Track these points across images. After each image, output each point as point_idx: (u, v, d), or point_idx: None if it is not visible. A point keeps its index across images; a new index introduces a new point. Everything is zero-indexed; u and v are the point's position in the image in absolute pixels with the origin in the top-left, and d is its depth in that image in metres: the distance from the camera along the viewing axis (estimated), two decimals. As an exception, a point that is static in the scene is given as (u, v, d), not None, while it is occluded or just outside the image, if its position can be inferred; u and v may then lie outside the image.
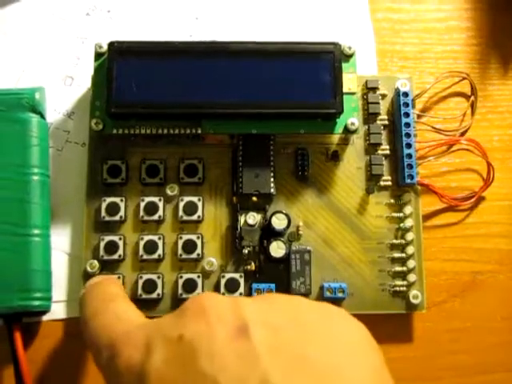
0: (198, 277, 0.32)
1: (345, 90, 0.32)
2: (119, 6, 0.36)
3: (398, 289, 0.32)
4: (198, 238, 0.32)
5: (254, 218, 0.32)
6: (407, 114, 0.33)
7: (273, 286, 0.31)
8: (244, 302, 0.21)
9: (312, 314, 0.21)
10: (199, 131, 0.32)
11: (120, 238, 0.32)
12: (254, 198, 0.32)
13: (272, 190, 0.32)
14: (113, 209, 0.32)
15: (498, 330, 0.33)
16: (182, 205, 0.32)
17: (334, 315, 0.22)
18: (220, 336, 0.19)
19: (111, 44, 0.31)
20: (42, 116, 0.33)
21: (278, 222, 0.32)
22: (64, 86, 0.35)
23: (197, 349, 0.19)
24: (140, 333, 0.22)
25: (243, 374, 0.18)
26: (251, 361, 0.18)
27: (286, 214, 0.32)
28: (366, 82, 0.34)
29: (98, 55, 0.32)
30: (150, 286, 0.31)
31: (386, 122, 0.34)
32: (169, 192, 0.32)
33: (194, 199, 0.32)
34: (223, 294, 0.31)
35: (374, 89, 0.34)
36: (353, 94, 0.33)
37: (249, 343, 0.19)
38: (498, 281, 0.34)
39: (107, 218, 0.32)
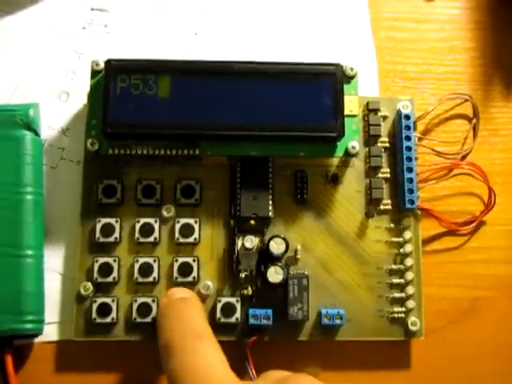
0: (194, 301, 0.31)
1: (346, 112, 0.31)
2: (116, 20, 0.36)
3: (396, 315, 0.32)
4: (194, 260, 0.31)
5: (251, 241, 0.32)
6: (408, 138, 0.33)
7: (270, 311, 0.31)
8: None
9: None
10: (197, 152, 0.31)
11: (115, 260, 0.31)
12: (252, 222, 0.32)
13: (270, 214, 0.32)
14: (107, 230, 0.31)
15: (497, 357, 0.33)
16: (178, 226, 0.32)
17: None
18: None
19: (108, 62, 0.31)
20: (36, 133, 0.32)
21: (276, 247, 0.31)
22: (59, 102, 0.34)
23: None
24: None
25: None
26: None
27: (284, 239, 0.31)
28: (367, 104, 0.34)
29: (94, 73, 0.32)
30: (144, 309, 0.31)
31: (387, 145, 0.34)
32: (165, 213, 0.32)
33: (191, 221, 0.32)
34: (219, 318, 0.31)
35: (375, 110, 0.34)
36: (354, 116, 0.32)
37: None
38: (497, 307, 0.34)
39: (102, 240, 0.31)
